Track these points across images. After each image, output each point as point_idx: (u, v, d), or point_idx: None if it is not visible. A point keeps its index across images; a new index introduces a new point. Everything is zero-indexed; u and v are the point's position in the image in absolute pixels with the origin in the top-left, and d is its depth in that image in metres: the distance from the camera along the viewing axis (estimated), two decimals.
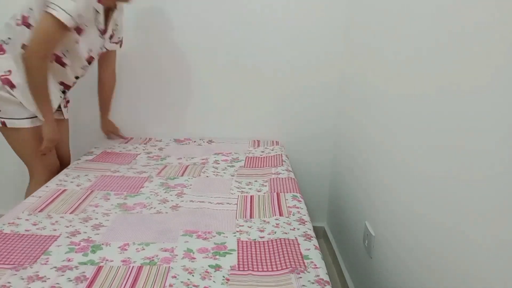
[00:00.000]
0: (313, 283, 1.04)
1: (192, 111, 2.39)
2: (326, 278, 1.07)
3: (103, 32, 1.83)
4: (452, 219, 1.05)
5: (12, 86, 1.68)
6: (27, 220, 1.34)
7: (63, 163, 2.01)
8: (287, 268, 1.10)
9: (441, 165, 1.12)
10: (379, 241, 1.61)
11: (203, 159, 2.02)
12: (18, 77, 1.68)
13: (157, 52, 2.30)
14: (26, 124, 1.73)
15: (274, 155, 2.08)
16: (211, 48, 2.28)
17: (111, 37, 1.95)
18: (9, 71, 1.68)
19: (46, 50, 1.61)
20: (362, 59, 1.94)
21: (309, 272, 1.09)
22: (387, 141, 1.56)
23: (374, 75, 1.74)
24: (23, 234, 1.25)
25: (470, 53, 0.99)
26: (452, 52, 1.09)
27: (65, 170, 1.80)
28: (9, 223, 1.31)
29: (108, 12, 1.83)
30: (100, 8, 1.73)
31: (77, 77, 1.89)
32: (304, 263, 1.13)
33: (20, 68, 1.66)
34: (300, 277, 1.06)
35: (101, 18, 1.77)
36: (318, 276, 1.07)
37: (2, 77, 1.68)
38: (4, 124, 1.71)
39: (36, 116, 1.74)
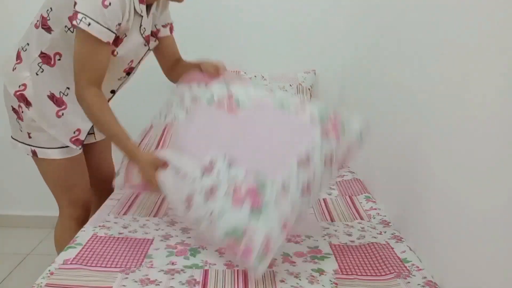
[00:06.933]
0: (423, 286, 1.05)
1: None
2: (433, 279, 1.08)
3: (147, 40, 1.41)
4: None
5: (28, 103, 1.37)
6: (115, 223, 1.36)
7: (107, 184, 1.61)
8: (390, 273, 1.11)
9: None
10: None
11: None
12: (33, 94, 1.36)
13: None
14: (57, 155, 1.43)
15: None
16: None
17: (155, 33, 1.48)
18: (24, 84, 1.36)
19: (91, 78, 1.24)
20: None
21: (414, 275, 1.10)
22: None
23: None
24: (118, 237, 1.27)
25: None
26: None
27: None
28: (99, 226, 1.33)
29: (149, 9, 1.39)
30: (143, 9, 1.32)
31: (113, 91, 1.51)
32: (406, 267, 1.14)
33: (37, 80, 1.35)
34: (408, 282, 1.07)
35: (147, 21, 1.37)
36: (425, 278, 1.08)
37: (17, 93, 1.36)
38: (35, 153, 1.42)
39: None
